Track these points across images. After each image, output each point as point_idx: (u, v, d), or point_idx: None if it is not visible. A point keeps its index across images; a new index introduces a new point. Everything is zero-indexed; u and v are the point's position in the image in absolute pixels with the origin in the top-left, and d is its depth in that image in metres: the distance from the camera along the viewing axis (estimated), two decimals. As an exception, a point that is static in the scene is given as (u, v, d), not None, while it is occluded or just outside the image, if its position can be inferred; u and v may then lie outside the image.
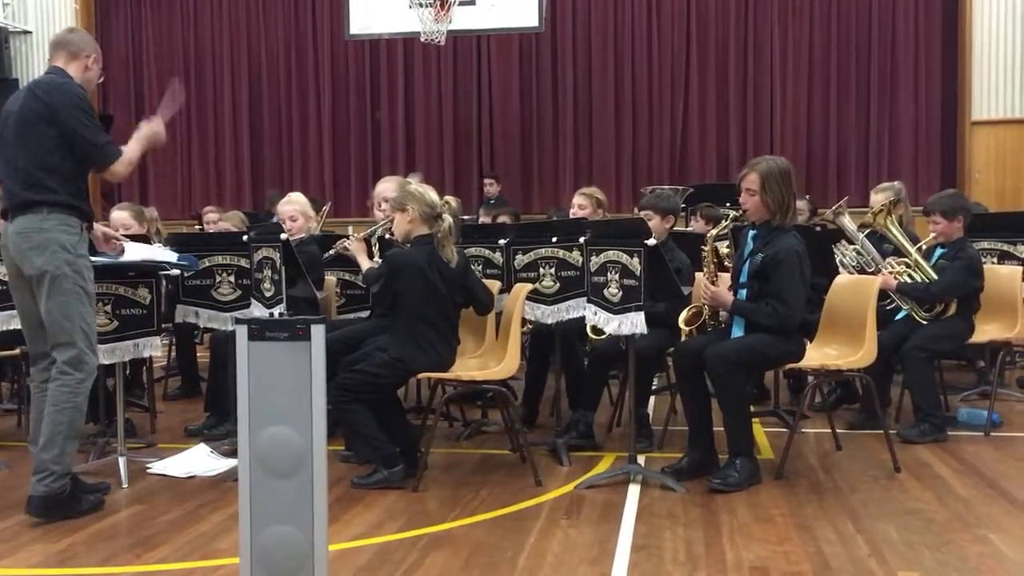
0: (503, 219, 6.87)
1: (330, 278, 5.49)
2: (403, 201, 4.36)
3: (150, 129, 4.22)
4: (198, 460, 4.67)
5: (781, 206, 4.26)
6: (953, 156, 11.23)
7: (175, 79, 4.58)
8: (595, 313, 4.29)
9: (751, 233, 4.41)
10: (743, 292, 4.34)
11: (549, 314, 4.72)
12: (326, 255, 5.31)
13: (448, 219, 4.34)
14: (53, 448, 3.76)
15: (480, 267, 5.17)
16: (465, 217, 7.74)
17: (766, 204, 4.26)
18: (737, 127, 11.63)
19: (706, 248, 4.47)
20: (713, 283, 4.41)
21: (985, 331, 5.28)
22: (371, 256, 5.13)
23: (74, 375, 3.79)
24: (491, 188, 11.01)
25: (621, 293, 4.11)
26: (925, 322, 5.11)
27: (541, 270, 4.77)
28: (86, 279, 3.87)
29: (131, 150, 4.07)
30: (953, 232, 5.26)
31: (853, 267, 5.46)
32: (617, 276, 4.12)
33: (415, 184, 4.63)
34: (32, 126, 3.80)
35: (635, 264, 4.02)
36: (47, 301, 3.77)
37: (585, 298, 4.41)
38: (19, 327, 4.13)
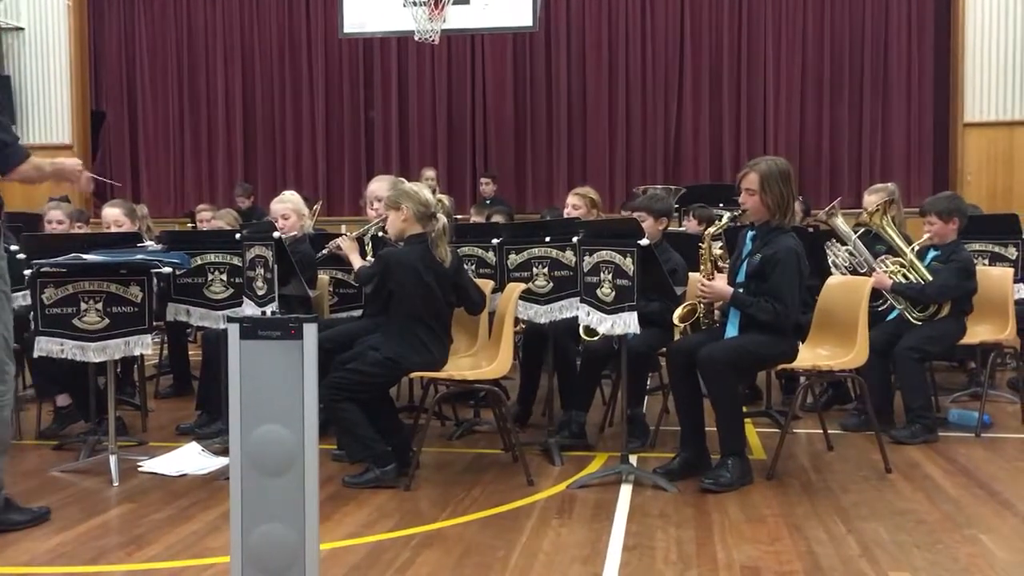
0: (496, 218, 6.87)
1: (323, 277, 5.48)
2: (397, 200, 4.35)
3: (71, 164, 3.92)
4: (189, 458, 4.66)
5: (780, 206, 4.26)
6: (945, 158, 11.27)
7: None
8: (588, 313, 4.29)
9: (749, 234, 4.41)
10: (740, 292, 4.34)
11: (542, 314, 4.72)
12: (319, 254, 5.30)
13: (443, 219, 4.34)
14: None
15: (473, 266, 5.16)
16: (459, 216, 7.74)
17: (765, 204, 4.26)
18: (731, 128, 11.65)
19: (703, 246, 4.48)
20: (710, 279, 4.41)
21: (976, 333, 5.29)
22: (363, 255, 5.13)
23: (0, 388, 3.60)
24: (487, 188, 10.99)
25: (614, 293, 4.11)
26: (919, 323, 5.12)
27: (534, 270, 4.77)
28: (7, 282, 3.69)
29: (45, 162, 3.77)
30: (948, 234, 5.27)
31: (845, 268, 5.48)
32: (610, 276, 4.13)
33: (408, 183, 4.63)
34: None
35: (628, 264, 4.03)
36: None
37: (578, 298, 4.41)
38: None
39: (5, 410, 3.66)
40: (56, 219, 6.03)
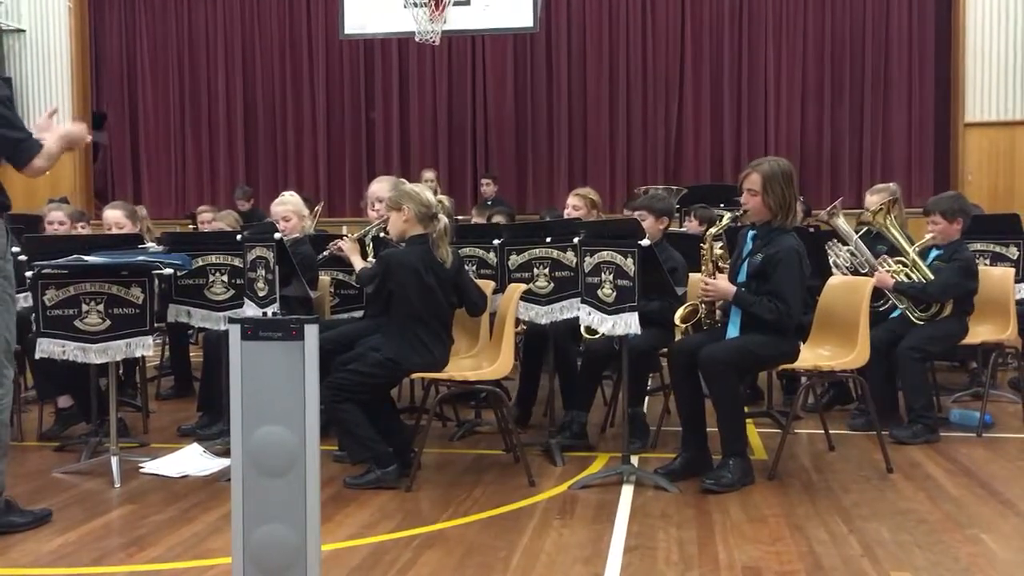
0: (497, 219, 6.87)
1: (324, 278, 5.49)
2: (399, 200, 4.35)
3: (75, 129, 3.88)
4: (191, 460, 4.66)
5: (782, 207, 4.26)
6: (946, 158, 11.26)
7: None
8: (589, 313, 4.29)
9: (751, 233, 4.41)
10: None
11: (543, 314, 4.72)
12: (320, 256, 5.30)
13: (444, 219, 4.34)
14: None
15: (474, 267, 5.16)
16: (459, 217, 7.74)
17: (767, 205, 4.26)
18: (731, 128, 11.65)
19: (705, 246, 4.48)
20: (712, 278, 4.41)
21: (978, 332, 5.29)
22: (364, 256, 5.13)
23: None
24: (488, 188, 11.01)
25: (615, 293, 4.11)
26: (920, 322, 5.12)
27: (535, 270, 4.77)
28: (12, 284, 3.68)
29: (51, 145, 3.72)
30: (951, 233, 5.27)
31: (847, 268, 5.48)
32: (611, 276, 4.13)
33: (410, 184, 4.63)
34: None
35: (629, 264, 4.03)
36: None
37: (579, 298, 4.41)
38: None
39: (4, 413, 3.64)
40: (58, 220, 6.04)
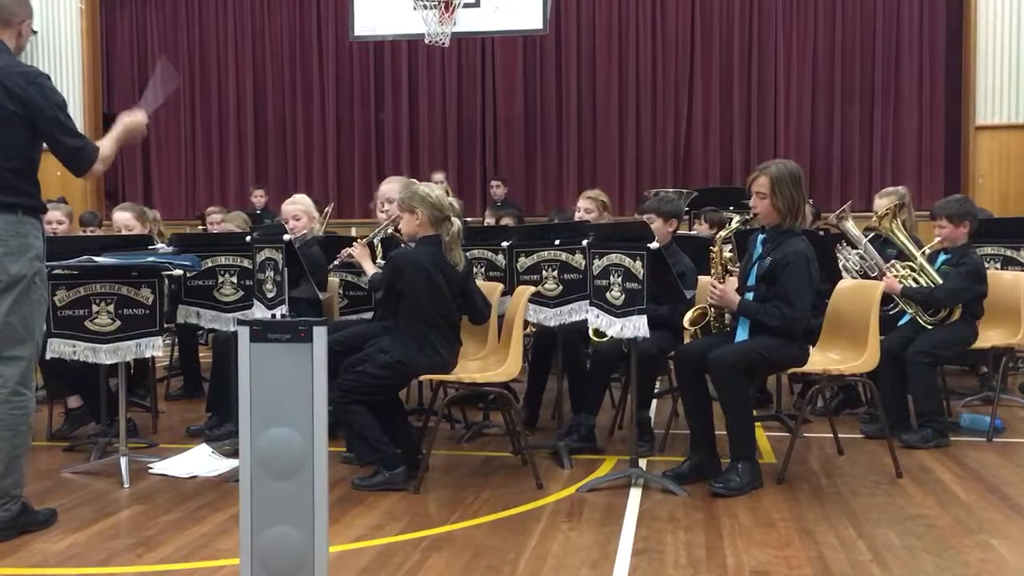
0: (506, 221, 6.87)
1: (333, 279, 5.50)
2: (412, 202, 4.34)
3: (131, 122, 3.89)
4: (199, 460, 4.67)
5: (791, 210, 4.25)
6: (957, 161, 11.22)
7: (161, 60, 4.28)
8: (597, 316, 4.29)
9: (760, 237, 4.40)
10: (750, 295, 4.33)
11: (551, 317, 4.72)
12: (332, 263, 5.31)
13: (457, 223, 4.33)
14: (14, 473, 3.60)
15: (483, 269, 5.16)
16: (468, 219, 7.74)
17: (776, 208, 4.26)
18: (741, 131, 11.63)
19: (714, 249, 4.47)
20: (721, 283, 4.41)
21: (988, 337, 5.27)
22: (374, 259, 5.14)
23: (26, 395, 3.63)
24: (497, 190, 11.03)
25: (624, 296, 4.11)
26: (929, 327, 5.11)
27: (544, 273, 4.77)
28: (46, 287, 3.75)
29: (107, 147, 3.75)
30: (958, 237, 5.25)
31: (856, 271, 5.46)
32: (620, 279, 4.12)
33: (421, 184, 4.63)
34: (7, 126, 3.52)
35: (637, 267, 4.03)
36: (11, 310, 3.52)
37: (588, 301, 4.40)
38: None
39: (32, 416, 3.71)
40: (56, 219, 6.05)
